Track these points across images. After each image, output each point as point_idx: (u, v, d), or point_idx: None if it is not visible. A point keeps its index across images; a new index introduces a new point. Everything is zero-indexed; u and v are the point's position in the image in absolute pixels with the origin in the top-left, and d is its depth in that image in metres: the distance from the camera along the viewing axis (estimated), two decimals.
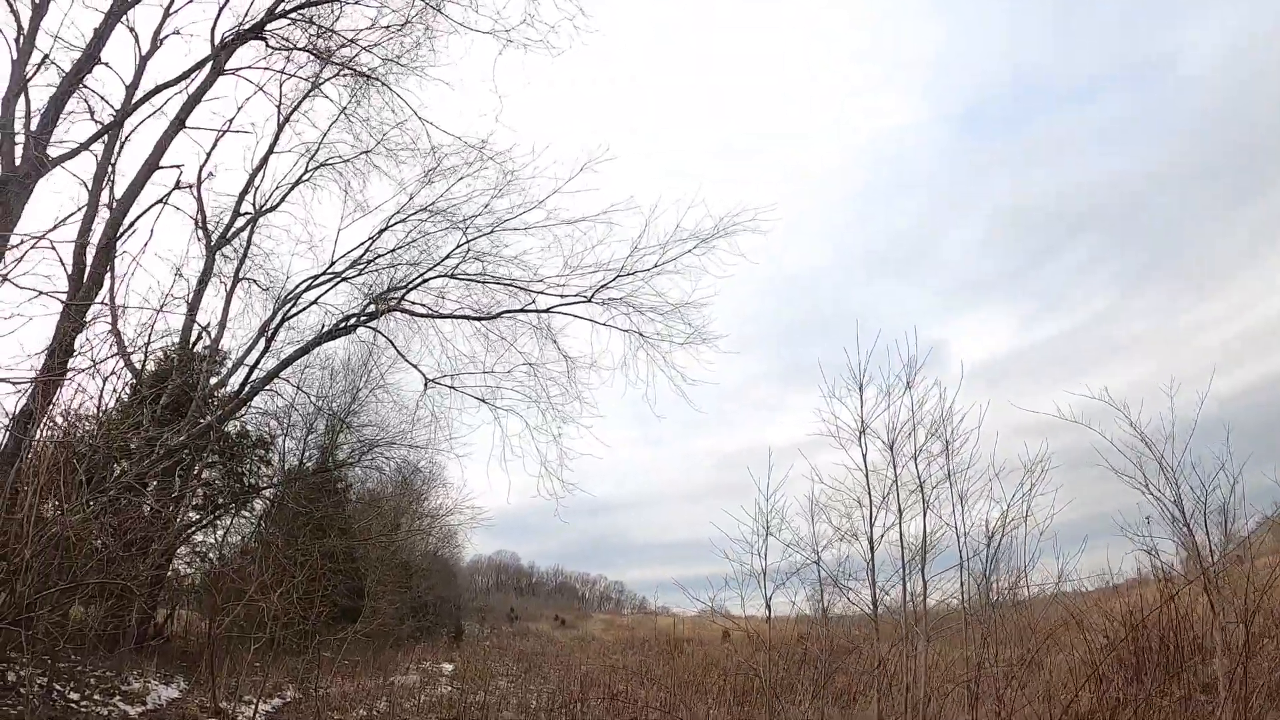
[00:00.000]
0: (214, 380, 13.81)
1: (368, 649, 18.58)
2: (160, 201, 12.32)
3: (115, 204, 11.68)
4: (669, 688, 10.52)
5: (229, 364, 14.41)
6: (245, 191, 15.69)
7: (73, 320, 10.87)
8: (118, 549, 11.39)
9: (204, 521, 13.70)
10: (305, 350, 13.68)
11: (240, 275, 16.02)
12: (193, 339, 13.90)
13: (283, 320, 14.26)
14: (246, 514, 15.02)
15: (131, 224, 11.84)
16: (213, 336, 14.52)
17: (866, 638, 8.29)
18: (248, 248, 15.85)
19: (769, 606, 7.57)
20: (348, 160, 15.65)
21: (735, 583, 7.74)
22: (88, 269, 11.09)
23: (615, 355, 14.16)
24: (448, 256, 13.59)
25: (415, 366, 14.75)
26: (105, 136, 12.17)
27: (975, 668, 6.15)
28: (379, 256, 14.24)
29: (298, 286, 14.83)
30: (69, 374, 11.02)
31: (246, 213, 15.35)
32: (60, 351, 10.46)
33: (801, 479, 8.05)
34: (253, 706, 8.74)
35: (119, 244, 11.38)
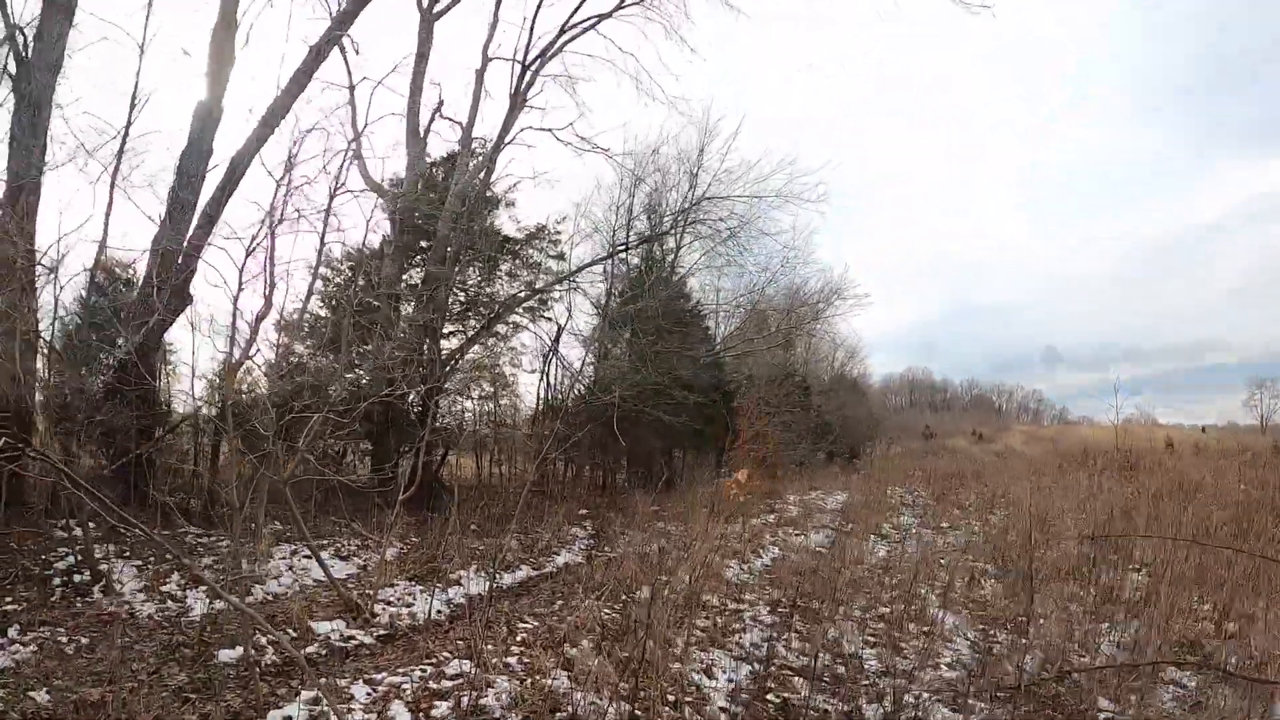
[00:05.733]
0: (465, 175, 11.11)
1: (754, 478, 15.71)
2: None
3: None
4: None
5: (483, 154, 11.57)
6: None
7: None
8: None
9: (477, 334, 11.56)
10: None
11: (490, 54, 13.03)
12: (422, 125, 11.25)
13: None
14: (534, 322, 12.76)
15: None
16: (464, 126, 11.76)
17: None
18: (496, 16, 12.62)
19: None
20: None
21: None
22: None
23: None
24: None
25: None
26: None
27: None
28: None
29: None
30: None
31: None
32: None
33: None
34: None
35: None
